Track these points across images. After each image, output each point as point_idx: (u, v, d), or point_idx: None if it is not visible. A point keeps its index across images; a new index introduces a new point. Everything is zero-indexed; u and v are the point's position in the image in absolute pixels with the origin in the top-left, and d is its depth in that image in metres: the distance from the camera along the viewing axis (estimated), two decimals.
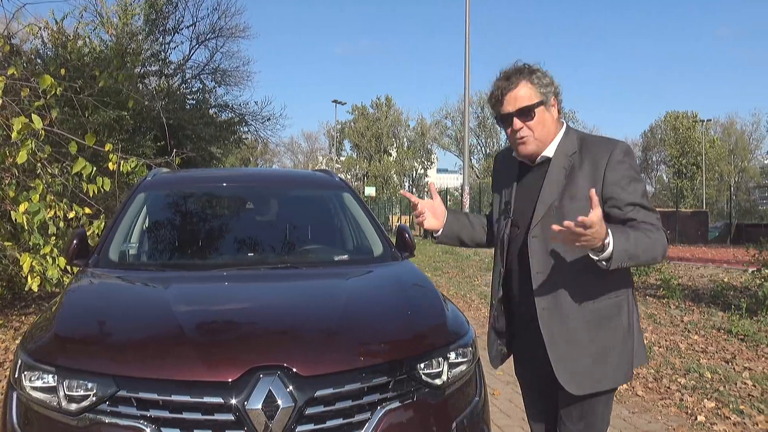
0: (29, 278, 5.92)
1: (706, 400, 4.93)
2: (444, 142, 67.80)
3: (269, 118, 21.30)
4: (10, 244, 6.25)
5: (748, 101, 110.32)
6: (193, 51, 22.17)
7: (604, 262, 2.04)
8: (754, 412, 4.66)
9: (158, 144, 14.92)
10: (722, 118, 70.52)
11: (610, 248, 2.00)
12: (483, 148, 65.14)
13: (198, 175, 5.25)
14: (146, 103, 12.79)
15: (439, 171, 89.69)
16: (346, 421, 2.28)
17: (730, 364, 6.06)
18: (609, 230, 1.99)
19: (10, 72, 6.07)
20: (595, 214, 1.92)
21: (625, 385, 5.42)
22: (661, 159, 70.46)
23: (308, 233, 4.15)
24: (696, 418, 4.60)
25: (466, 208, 22.83)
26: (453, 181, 78.28)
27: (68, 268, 6.10)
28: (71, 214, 6.07)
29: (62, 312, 2.73)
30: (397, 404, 2.37)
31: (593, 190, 1.96)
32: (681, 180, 62.00)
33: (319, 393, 2.25)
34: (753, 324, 7.66)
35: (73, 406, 2.24)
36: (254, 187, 4.45)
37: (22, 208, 5.87)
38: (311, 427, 2.24)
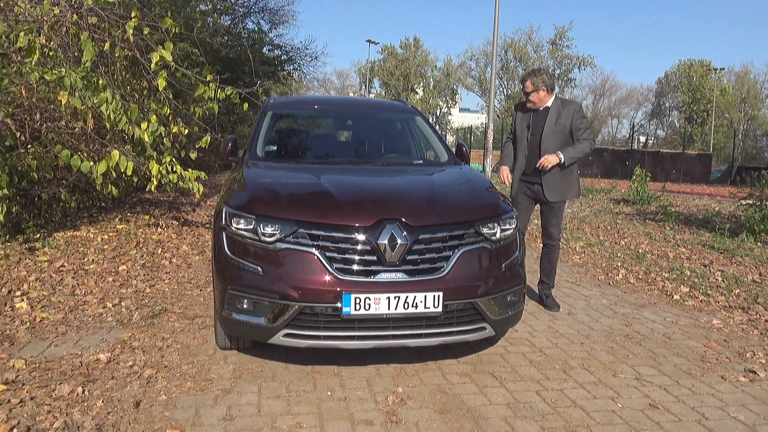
0: (154, 180, 7.08)
1: (682, 287, 6.01)
2: (468, 83, 67.52)
3: (316, 57, 22.07)
4: (133, 155, 7.37)
5: (764, 51, 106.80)
6: None
7: (564, 164, 4.80)
8: (717, 295, 5.73)
9: (221, 77, 15.87)
10: (737, 67, 69.10)
11: (563, 159, 4.77)
12: (504, 89, 64.79)
13: (306, 99, 6.30)
14: (219, 39, 13.66)
15: (461, 110, 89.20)
16: (438, 255, 3.41)
17: (707, 267, 7.07)
18: (560, 152, 4.75)
19: (134, 14, 7.07)
20: (545, 160, 4.78)
21: (620, 276, 6.54)
22: (673, 105, 69.77)
23: (395, 144, 5.25)
24: (673, 297, 5.70)
25: (490, 144, 23.57)
26: (474, 119, 77.97)
27: (182, 174, 7.25)
28: (186, 131, 7.15)
29: (250, 181, 3.87)
30: (468, 248, 3.49)
31: (544, 159, 4.81)
32: (691, 126, 61.53)
33: (421, 236, 3.37)
34: (733, 242, 8.64)
35: (268, 239, 3.37)
36: (351, 109, 5.53)
37: (144, 126, 6.96)
38: (416, 257, 3.37)
